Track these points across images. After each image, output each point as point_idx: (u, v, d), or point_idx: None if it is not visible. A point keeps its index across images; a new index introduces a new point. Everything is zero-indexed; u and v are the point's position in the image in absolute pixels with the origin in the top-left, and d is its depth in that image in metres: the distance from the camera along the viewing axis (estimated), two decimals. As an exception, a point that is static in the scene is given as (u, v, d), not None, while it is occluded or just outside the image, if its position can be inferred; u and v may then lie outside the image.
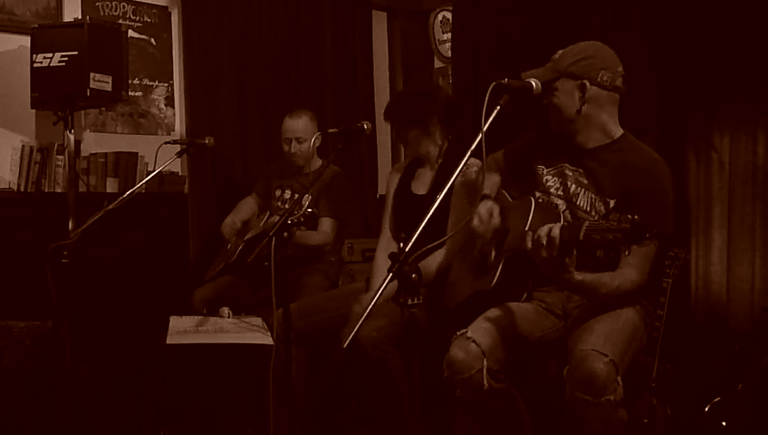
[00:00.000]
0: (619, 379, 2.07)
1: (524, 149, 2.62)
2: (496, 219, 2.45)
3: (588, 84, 2.33)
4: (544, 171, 2.50)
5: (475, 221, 2.47)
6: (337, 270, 3.73)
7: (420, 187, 3.07)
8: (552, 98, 2.37)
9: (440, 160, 3.02)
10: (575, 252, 2.03)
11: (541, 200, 2.46)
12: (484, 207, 2.48)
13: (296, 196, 3.60)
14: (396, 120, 3.04)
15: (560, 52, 2.39)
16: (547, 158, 2.51)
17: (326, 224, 3.54)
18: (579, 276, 2.12)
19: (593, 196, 2.37)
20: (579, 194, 2.40)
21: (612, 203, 2.31)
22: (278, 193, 3.75)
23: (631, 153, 2.37)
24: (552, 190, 2.46)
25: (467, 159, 2.08)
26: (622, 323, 2.26)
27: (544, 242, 2.03)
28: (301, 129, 3.61)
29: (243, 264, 3.49)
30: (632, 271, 2.26)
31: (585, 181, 2.39)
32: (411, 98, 3.06)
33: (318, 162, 3.70)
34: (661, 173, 2.33)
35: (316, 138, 3.53)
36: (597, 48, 2.38)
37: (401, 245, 1.89)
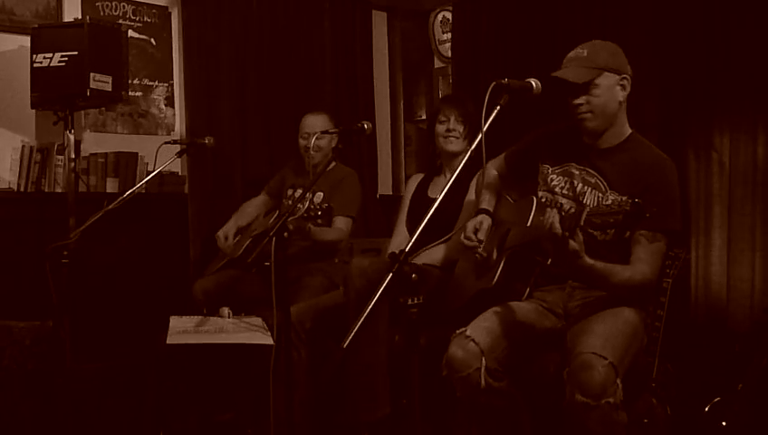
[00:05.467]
0: (618, 381, 2.08)
1: (529, 149, 2.63)
2: (481, 235, 2.45)
3: (628, 78, 2.38)
4: (550, 170, 2.51)
5: (462, 236, 2.48)
6: (339, 271, 3.73)
7: (436, 191, 3.12)
8: (589, 96, 2.36)
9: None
10: (582, 236, 2.04)
11: (544, 199, 2.47)
12: (473, 223, 2.48)
13: (307, 194, 3.60)
14: (460, 109, 3.08)
15: (582, 50, 2.39)
16: (553, 157, 2.51)
17: (340, 221, 3.54)
18: (590, 261, 2.12)
19: (601, 194, 2.38)
20: (585, 193, 2.41)
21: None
22: (290, 192, 3.75)
23: (640, 151, 2.39)
24: (557, 190, 2.47)
25: (467, 159, 2.08)
26: (622, 324, 2.26)
27: (547, 234, 2.04)
28: (320, 126, 3.63)
29: (246, 261, 3.49)
30: (643, 265, 2.27)
31: (592, 180, 2.40)
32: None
33: (332, 164, 3.71)
34: (669, 171, 2.36)
35: (317, 136, 3.54)
36: (615, 46, 2.43)
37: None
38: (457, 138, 3.08)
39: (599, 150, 2.42)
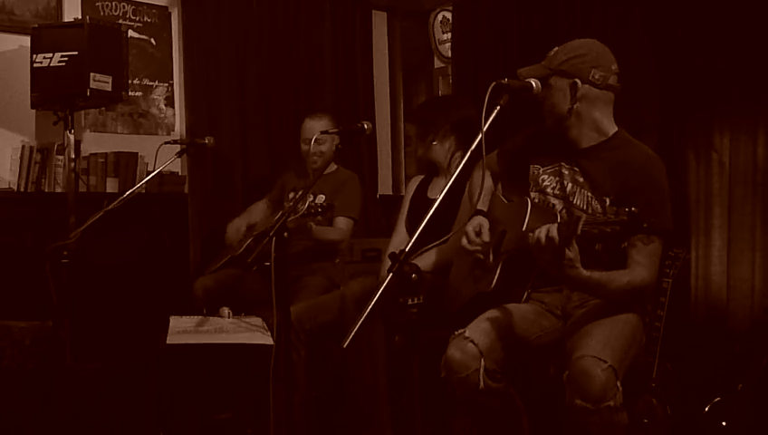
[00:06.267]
0: (618, 384, 2.07)
1: (520, 149, 2.62)
2: (485, 237, 2.43)
3: (579, 83, 2.32)
4: (541, 171, 2.50)
5: (463, 240, 2.46)
6: (340, 272, 3.73)
7: (435, 192, 3.14)
8: (545, 95, 2.37)
9: (455, 169, 3.06)
10: (577, 247, 2.03)
11: (537, 200, 2.46)
12: (472, 226, 2.46)
13: (309, 196, 3.60)
14: (414, 122, 3.22)
15: (555, 48, 2.40)
16: (543, 157, 2.50)
17: (341, 222, 3.57)
18: (587, 273, 2.11)
19: (589, 194, 2.36)
20: (575, 193, 2.39)
21: (609, 201, 2.31)
22: (291, 195, 3.75)
23: (626, 150, 2.36)
24: (548, 190, 2.46)
25: (466, 160, 2.08)
26: (621, 326, 2.25)
27: (544, 243, 2.04)
28: (319, 130, 3.63)
29: (247, 261, 3.49)
30: (641, 268, 2.25)
31: (581, 180, 2.39)
32: (430, 104, 3.33)
33: (334, 167, 3.71)
34: (657, 169, 2.32)
35: (318, 140, 3.55)
36: (590, 46, 2.38)
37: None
38: (427, 147, 3.13)
39: (579, 149, 2.40)
